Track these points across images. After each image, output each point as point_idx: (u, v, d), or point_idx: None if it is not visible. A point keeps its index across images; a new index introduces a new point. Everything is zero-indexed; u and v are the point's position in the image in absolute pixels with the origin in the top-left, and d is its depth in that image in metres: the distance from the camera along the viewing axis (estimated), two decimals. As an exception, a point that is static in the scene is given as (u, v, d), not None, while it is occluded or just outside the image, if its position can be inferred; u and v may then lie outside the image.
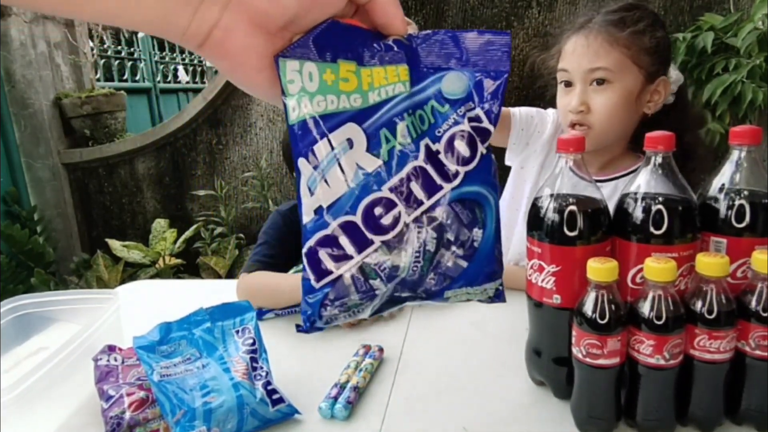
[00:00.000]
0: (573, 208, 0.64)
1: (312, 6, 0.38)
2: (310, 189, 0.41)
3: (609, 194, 1.00)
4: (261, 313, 1.01)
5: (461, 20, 2.66)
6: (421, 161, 0.42)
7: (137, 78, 4.55)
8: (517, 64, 2.57)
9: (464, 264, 0.44)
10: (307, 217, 0.41)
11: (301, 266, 0.42)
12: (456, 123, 0.43)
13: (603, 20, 1.05)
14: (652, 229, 0.61)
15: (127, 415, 0.66)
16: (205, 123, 3.09)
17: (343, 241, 0.41)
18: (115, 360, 0.75)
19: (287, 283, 1.01)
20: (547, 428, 0.66)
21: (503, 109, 1.04)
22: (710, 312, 0.58)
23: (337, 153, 0.41)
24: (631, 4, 1.08)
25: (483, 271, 0.44)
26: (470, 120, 0.43)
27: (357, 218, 0.41)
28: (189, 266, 2.90)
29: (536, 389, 0.73)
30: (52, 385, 0.70)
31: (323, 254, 0.41)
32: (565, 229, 0.64)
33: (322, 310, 0.42)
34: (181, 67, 5.60)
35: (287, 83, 0.40)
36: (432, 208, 0.43)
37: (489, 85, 0.43)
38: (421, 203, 0.42)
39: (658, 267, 0.57)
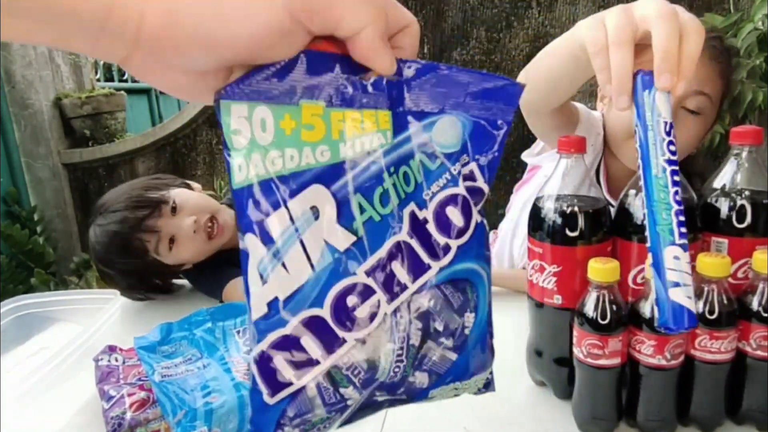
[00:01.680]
0: (574, 208, 0.64)
1: (253, 53, 0.29)
2: (261, 276, 0.31)
3: None
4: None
5: (461, 20, 2.66)
6: (404, 235, 0.33)
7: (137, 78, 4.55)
8: (517, 65, 2.58)
9: (453, 356, 0.36)
10: (257, 312, 0.32)
11: None
12: (449, 183, 0.34)
13: (715, 44, 0.89)
14: (653, 230, 0.61)
15: (128, 415, 0.66)
16: (205, 123, 3.09)
17: (307, 342, 0.32)
18: (116, 360, 0.75)
19: None
20: (548, 428, 0.66)
21: (572, 103, 0.92)
22: (711, 312, 0.58)
23: (299, 227, 0.31)
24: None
25: (474, 362, 0.37)
26: (465, 178, 0.34)
27: (325, 312, 0.32)
28: (189, 266, 2.90)
29: (537, 389, 0.73)
30: (53, 386, 0.70)
31: (280, 361, 0.33)
32: (566, 230, 0.64)
33: None
34: (181, 67, 5.60)
35: (231, 134, 0.30)
36: (417, 292, 0.34)
37: (488, 133, 0.35)
38: (404, 288, 0.34)
39: (659, 267, 0.57)
